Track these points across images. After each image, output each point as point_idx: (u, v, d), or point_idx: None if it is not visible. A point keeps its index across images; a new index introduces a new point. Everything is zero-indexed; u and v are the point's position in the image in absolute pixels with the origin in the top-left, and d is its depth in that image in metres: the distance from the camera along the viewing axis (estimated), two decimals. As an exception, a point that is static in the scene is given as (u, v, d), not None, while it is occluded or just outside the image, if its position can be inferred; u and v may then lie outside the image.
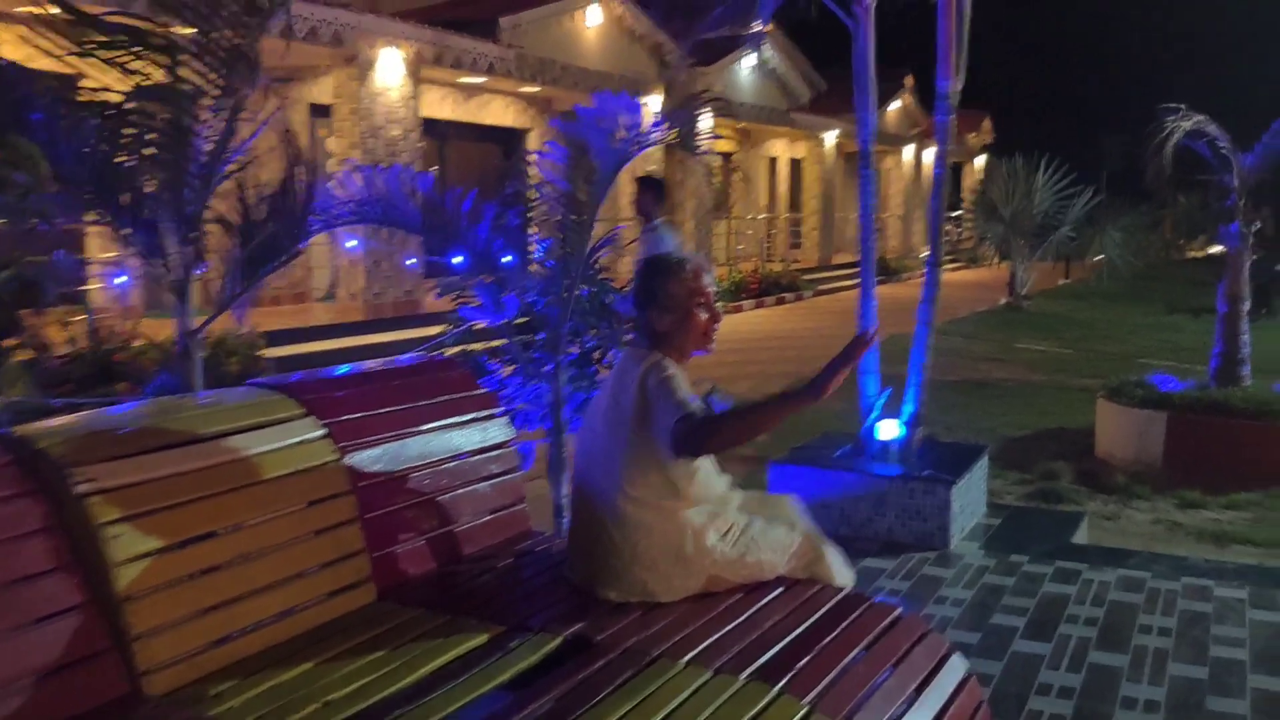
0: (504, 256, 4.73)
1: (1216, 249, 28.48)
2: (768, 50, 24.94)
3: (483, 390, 3.69)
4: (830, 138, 26.37)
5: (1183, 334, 15.48)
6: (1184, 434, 7.92)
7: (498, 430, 3.62)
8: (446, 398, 3.53)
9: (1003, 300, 19.69)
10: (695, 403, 2.83)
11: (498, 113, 18.29)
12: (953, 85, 5.66)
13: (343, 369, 3.59)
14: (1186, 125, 8.17)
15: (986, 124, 38.32)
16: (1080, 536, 5.84)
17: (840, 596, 3.09)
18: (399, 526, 3.19)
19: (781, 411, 2.79)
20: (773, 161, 27.93)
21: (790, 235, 28.37)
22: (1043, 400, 10.87)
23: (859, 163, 6.02)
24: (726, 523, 3.08)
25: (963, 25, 5.64)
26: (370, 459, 3.16)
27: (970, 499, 5.71)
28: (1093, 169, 20.29)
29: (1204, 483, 7.40)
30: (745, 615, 2.91)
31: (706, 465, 3.09)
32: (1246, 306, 8.35)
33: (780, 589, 3.08)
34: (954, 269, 29.26)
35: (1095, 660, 4.10)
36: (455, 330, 5.00)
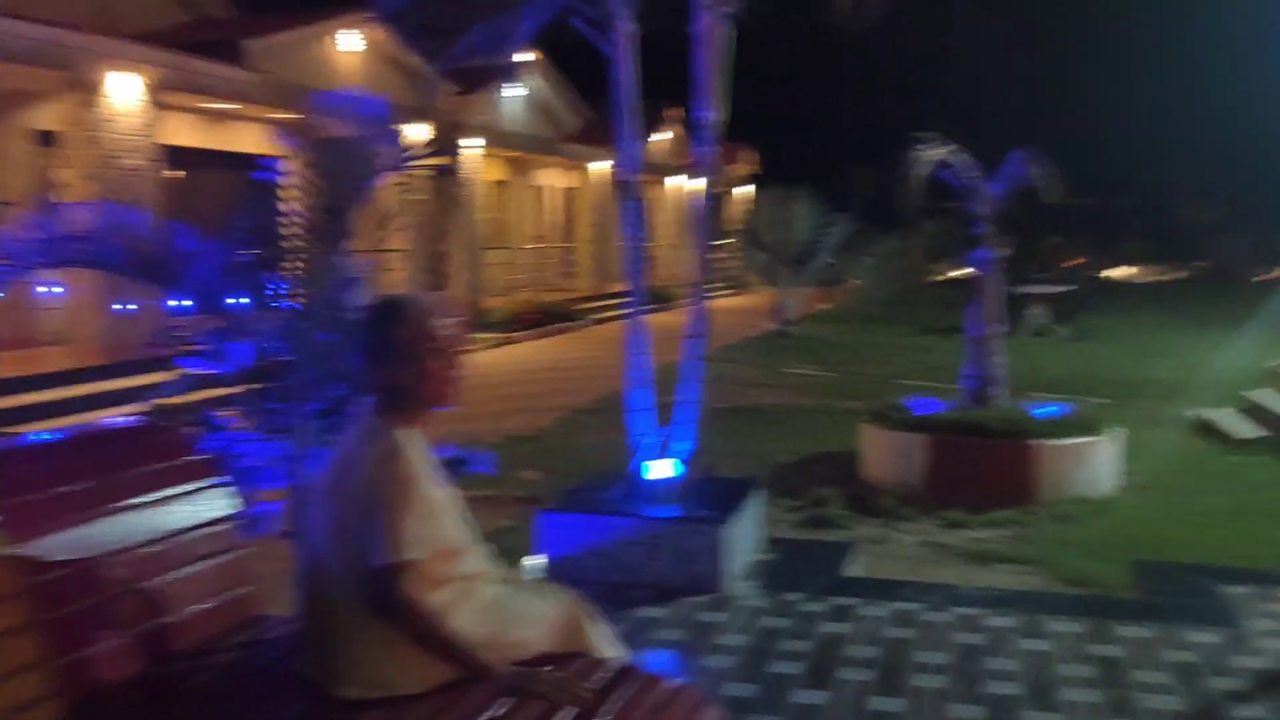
0: (235, 297, 4.25)
1: (962, 272, 30.36)
2: (535, 79, 24.82)
3: (198, 456, 3.23)
4: (601, 167, 26.50)
5: (934, 354, 16.19)
6: (944, 455, 8.11)
7: (217, 502, 3.16)
8: (152, 467, 3.05)
9: (770, 326, 20.16)
10: (415, 546, 2.54)
11: (248, 140, 17.34)
12: (713, 116, 5.55)
13: (30, 436, 3.05)
14: (937, 155, 8.43)
15: (751, 155, 39.50)
16: (853, 566, 5.80)
17: (611, 671, 2.81)
18: (93, 626, 2.69)
19: (462, 663, 2.61)
20: (545, 190, 27.82)
21: (565, 265, 28.32)
22: (812, 424, 11.03)
23: (622, 193, 5.83)
24: (477, 600, 2.74)
25: (722, 56, 5.55)
26: (52, 548, 2.65)
27: (744, 536, 5.57)
28: (850, 197, 21.15)
29: (965, 502, 7.57)
30: (504, 704, 2.58)
31: (452, 535, 2.75)
32: (998, 329, 8.68)
33: (544, 669, 2.77)
34: (724, 296, 29.91)
35: (876, 707, 3.99)
36: (173, 383, 4.46)
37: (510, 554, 5.74)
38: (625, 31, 5.52)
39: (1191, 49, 57.24)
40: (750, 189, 36.61)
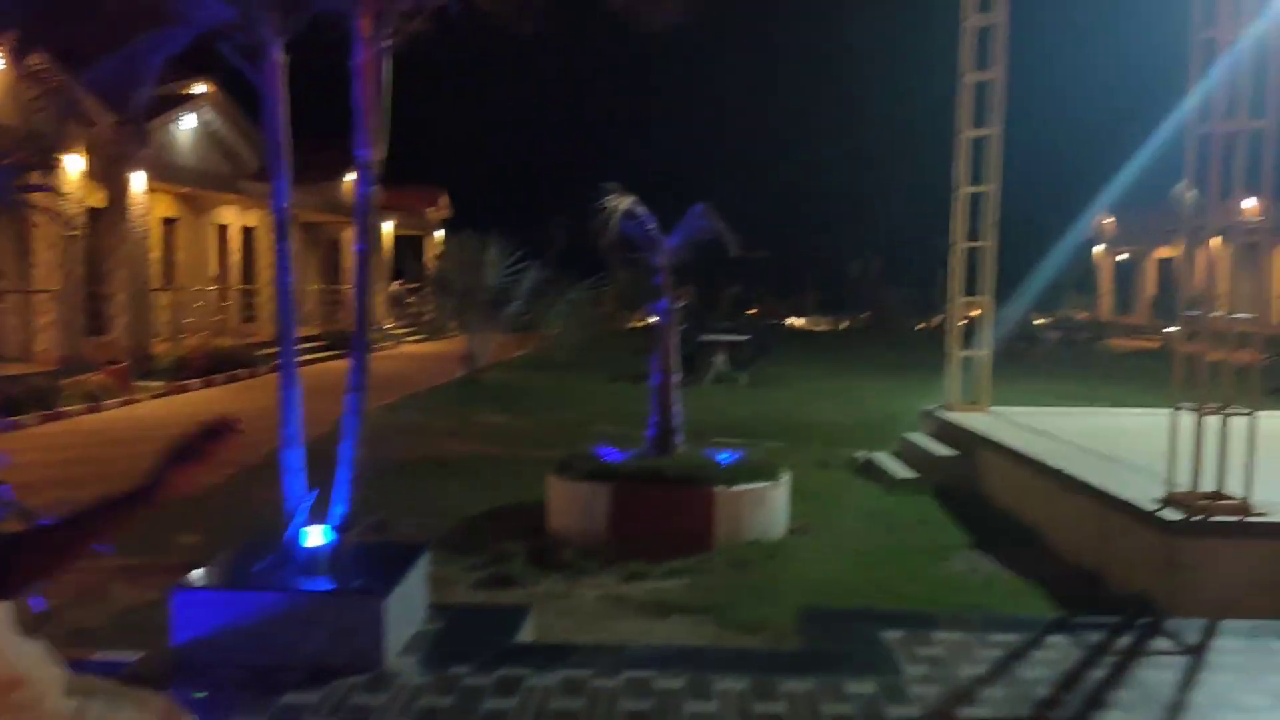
0: None
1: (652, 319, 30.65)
2: (209, 112, 23.42)
3: None
4: (284, 207, 25.32)
5: (626, 400, 16.39)
6: (626, 505, 8.07)
7: None
8: None
9: (461, 373, 19.78)
10: None
11: None
12: (372, 154, 5.22)
13: None
14: (623, 205, 8.45)
15: (445, 199, 39.11)
16: (527, 630, 5.55)
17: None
18: None
19: (97, 525, 2.16)
20: (223, 229, 26.23)
21: (246, 308, 26.77)
22: (500, 475, 10.76)
23: (275, 233, 5.38)
24: (45, 715, 2.25)
25: (381, 92, 5.23)
26: None
27: (409, 606, 5.20)
28: (545, 244, 21.22)
29: (648, 552, 7.53)
30: None
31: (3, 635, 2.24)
32: (677, 377, 8.76)
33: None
34: (416, 342, 29.29)
35: (536, 789, 3.73)
36: None
37: (150, 634, 5.09)
38: (275, 61, 5.11)
39: (856, 122, 62.31)
40: (442, 232, 36.24)
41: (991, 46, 11.63)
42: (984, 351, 11.84)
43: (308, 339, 25.56)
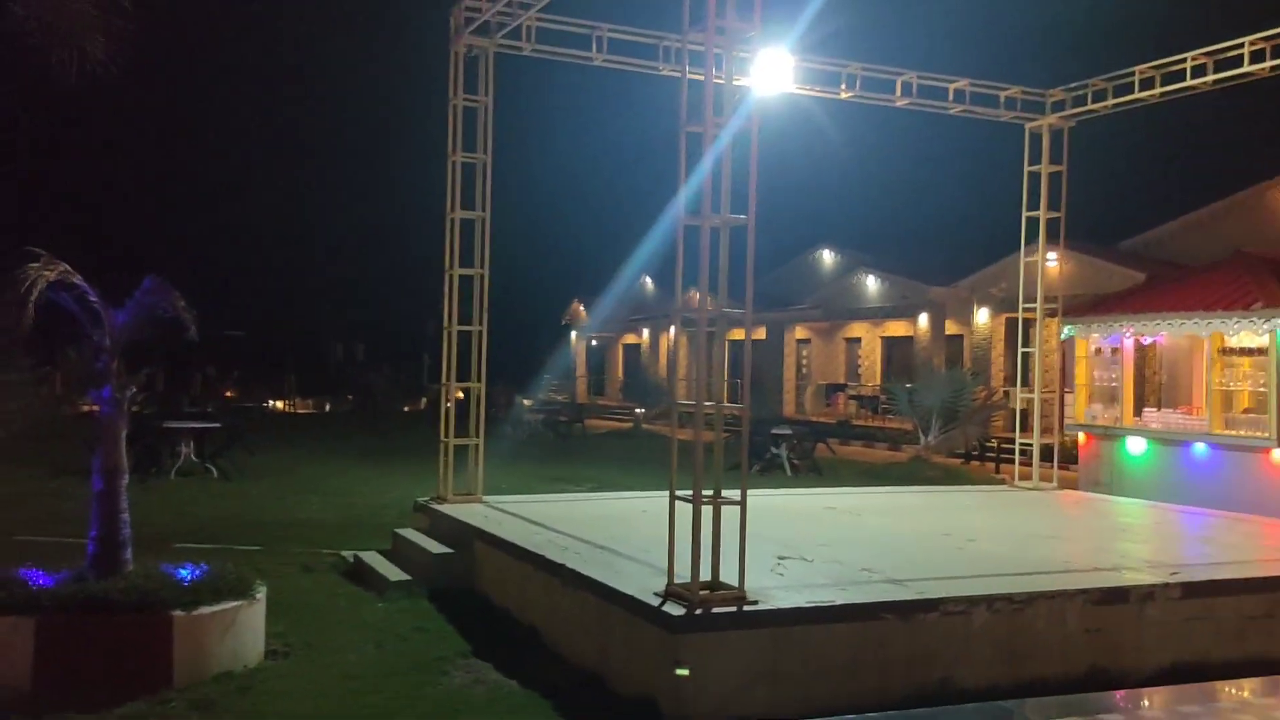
0: None
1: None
2: None
3: None
4: None
5: (71, 502, 14.03)
6: (57, 641, 6.55)
7: None
8: None
9: None
10: None
11: None
12: None
13: None
14: (50, 275, 6.97)
15: None
16: None
17: None
18: None
19: None
20: None
21: None
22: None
23: None
24: None
25: None
26: None
27: None
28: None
29: (84, 700, 6.11)
30: None
31: None
32: (125, 480, 7.33)
33: None
34: None
35: None
36: None
37: None
38: None
39: (343, 201, 61.31)
40: None
41: (480, 129, 11.44)
42: (476, 440, 11.43)
43: None
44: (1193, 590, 7.66)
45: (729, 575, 6.69)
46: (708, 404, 7.00)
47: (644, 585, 6.96)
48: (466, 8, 11.23)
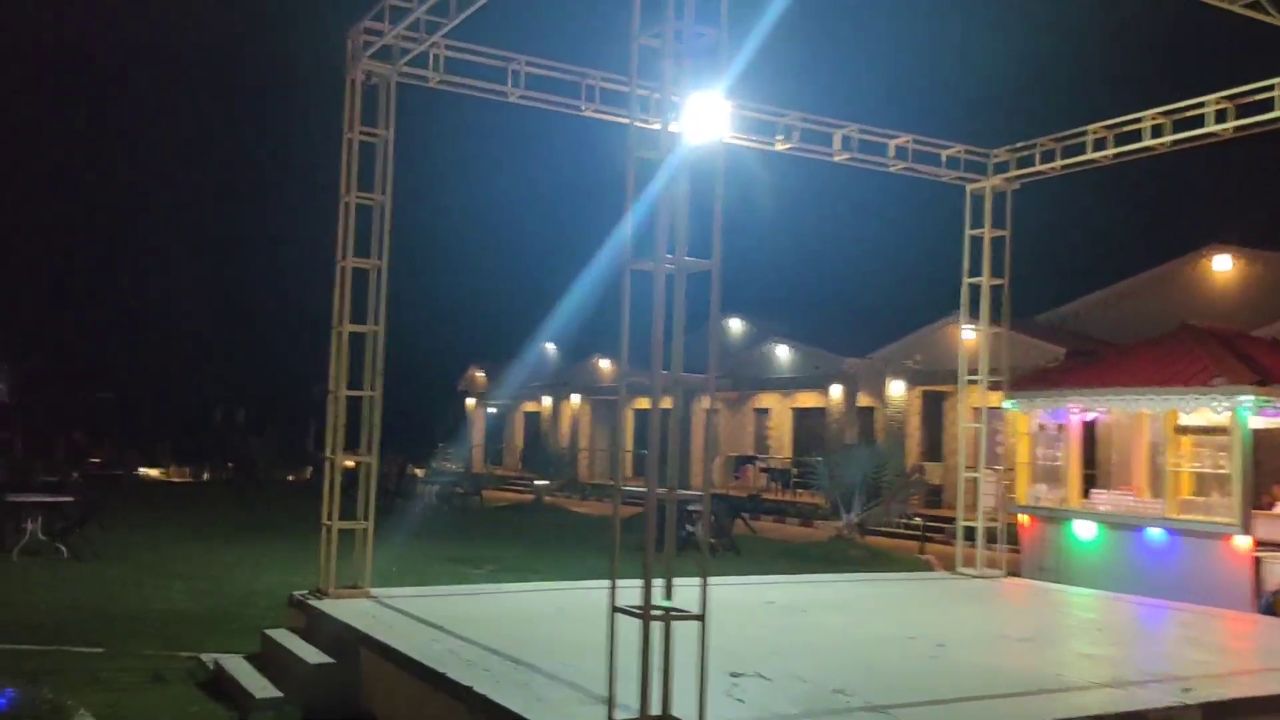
0: None
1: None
2: None
3: None
4: None
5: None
6: None
7: None
8: None
9: None
10: None
11: None
12: None
13: None
14: None
15: None
16: None
17: None
18: None
19: None
20: None
21: None
22: None
23: None
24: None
25: None
26: None
27: None
28: None
29: None
30: None
31: None
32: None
33: None
34: None
35: None
36: None
37: None
38: None
39: (220, 253, 58.76)
40: None
41: (379, 166, 10.05)
42: (364, 524, 9.86)
43: None
44: (1215, 712, 6.54)
45: (683, 706, 5.32)
46: (630, 481, 5.68)
47: (573, 716, 5.54)
48: (366, 29, 9.90)
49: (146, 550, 16.66)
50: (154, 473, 39.76)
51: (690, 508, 19.01)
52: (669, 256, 5.53)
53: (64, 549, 15.31)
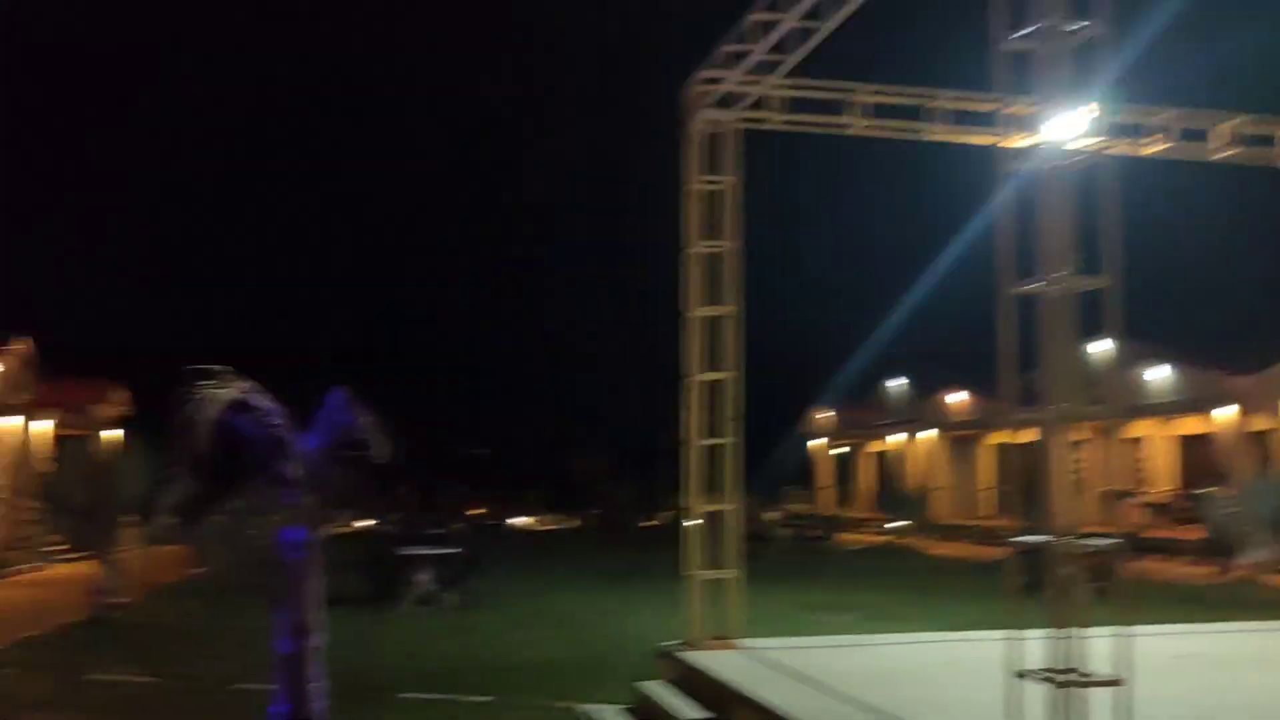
0: None
1: (364, 523, 27.19)
2: None
3: None
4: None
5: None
6: None
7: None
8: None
9: (92, 607, 15.68)
10: None
11: None
12: None
13: None
14: (226, 395, 5.88)
15: (121, 394, 34.50)
16: None
17: None
18: None
19: None
20: None
21: None
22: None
23: None
24: None
25: None
26: None
27: None
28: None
29: None
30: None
31: None
32: (318, 640, 6.07)
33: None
34: (72, 560, 24.45)
35: None
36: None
37: None
38: None
39: (576, 307, 61.95)
40: (119, 433, 31.68)
41: (725, 212, 10.01)
42: (732, 572, 9.72)
43: None
44: None
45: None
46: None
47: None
48: (703, 80, 9.92)
49: (525, 599, 17.50)
50: (525, 521, 42.22)
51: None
52: (1054, 276, 4.98)
53: (451, 599, 16.32)
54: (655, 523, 37.82)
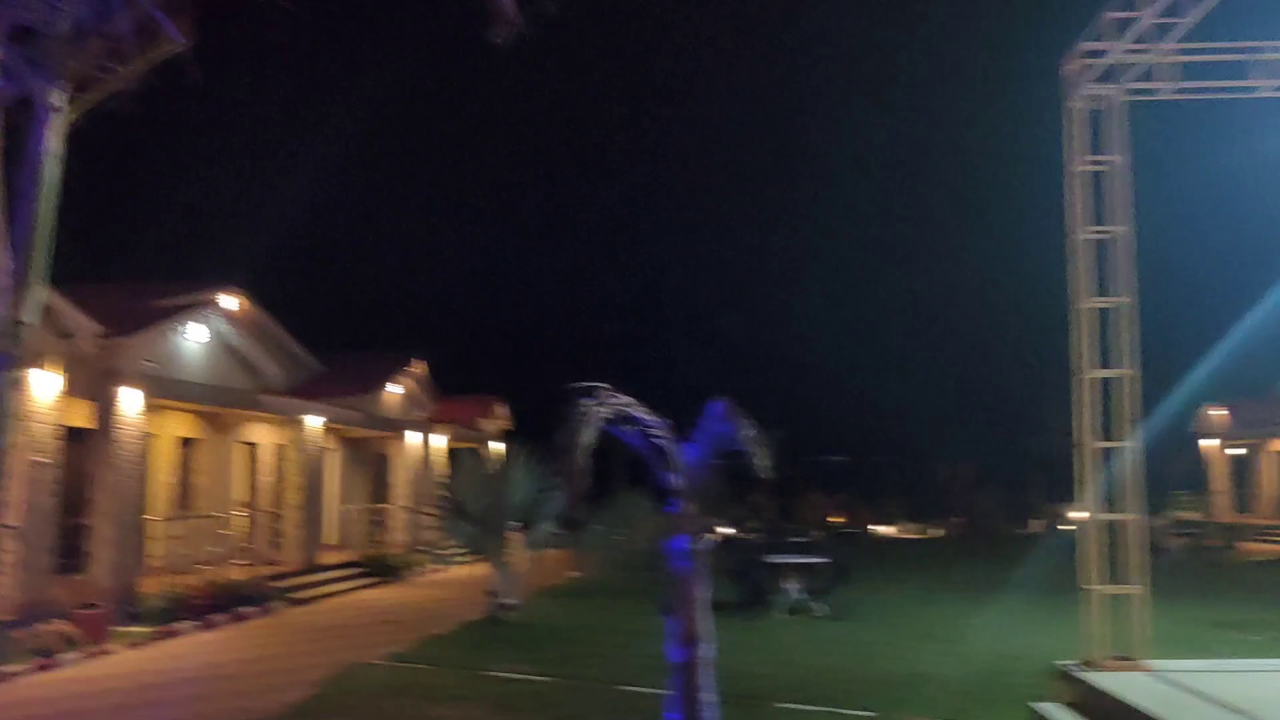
0: None
1: (729, 530, 27.65)
2: (220, 321, 21.86)
3: None
4: (314, 422, 23.32)
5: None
6: None
7: None
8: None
9: (487, 608, 16.85)
10: None
11: None
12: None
13: None
14: (605, 411, 6.02)
15: (501, 409, 37.21)
16: None
17: None
18: None
19: None
20: (252, 448, 24.33)
21: (273, 534, 24.53)
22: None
23: None
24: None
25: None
26: None
27: None
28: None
29: None
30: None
31: None
32: (708, 651, 6.07)
33: None
34: (471, 563, 26.59)
35: None
36: None
37: None
38: (51, 108, 2.98)
39: (943, 316, 60.12)
40: (502, 445, 34.14)
41: (1113, 195, 9.21)
42: (1136, 587, 8.88)
43: (344, 565, 23.14)
44: None
45: None
46: None
47: None
48: (1084, 52, 9.17)
49: (891, 610, 17.02)
50: (884, 530, 41.35)
51: None
52: None
53: (822, 608, 16.13)
54: (1027, 531, 35.85)
